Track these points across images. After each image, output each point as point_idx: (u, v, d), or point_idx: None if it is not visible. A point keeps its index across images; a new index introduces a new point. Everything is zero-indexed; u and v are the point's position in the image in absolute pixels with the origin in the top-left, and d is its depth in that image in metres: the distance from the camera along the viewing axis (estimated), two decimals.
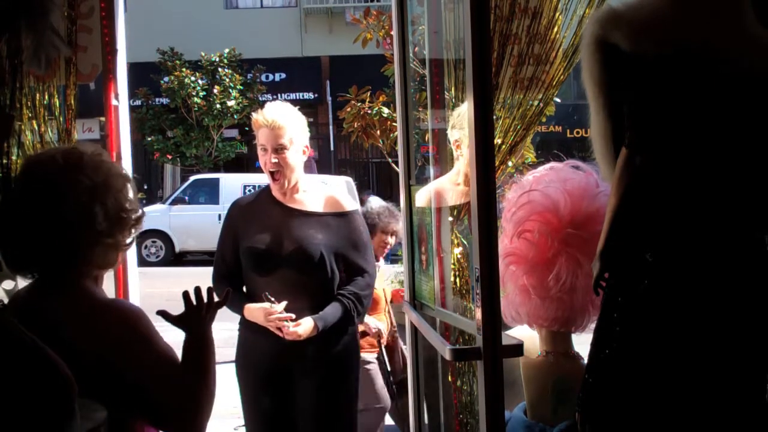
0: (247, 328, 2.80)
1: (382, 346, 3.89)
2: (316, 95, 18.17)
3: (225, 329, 2.62)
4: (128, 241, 1.69)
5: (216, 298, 1.73)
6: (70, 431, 0.77)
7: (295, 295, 2.68)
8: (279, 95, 17.99)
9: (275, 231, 2.73)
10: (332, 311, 2.70)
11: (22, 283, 1.72)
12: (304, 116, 2.81)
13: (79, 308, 1.57)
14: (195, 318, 1.69)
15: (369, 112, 5.49)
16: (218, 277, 2.81)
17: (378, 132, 5.50)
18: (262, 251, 2.71)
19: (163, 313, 1.70)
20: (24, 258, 1.58)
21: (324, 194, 2.83)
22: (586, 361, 2.17)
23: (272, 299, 2.64)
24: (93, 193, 1.57)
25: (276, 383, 2.74)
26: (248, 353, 2.79)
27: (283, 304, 2.65)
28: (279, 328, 2.64)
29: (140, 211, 1.70)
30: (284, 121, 2.69)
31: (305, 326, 2.64)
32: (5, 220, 1.57)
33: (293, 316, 2.64)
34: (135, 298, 3.06)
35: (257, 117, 2.74)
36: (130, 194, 1.67)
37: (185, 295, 1.70)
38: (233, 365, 2.82)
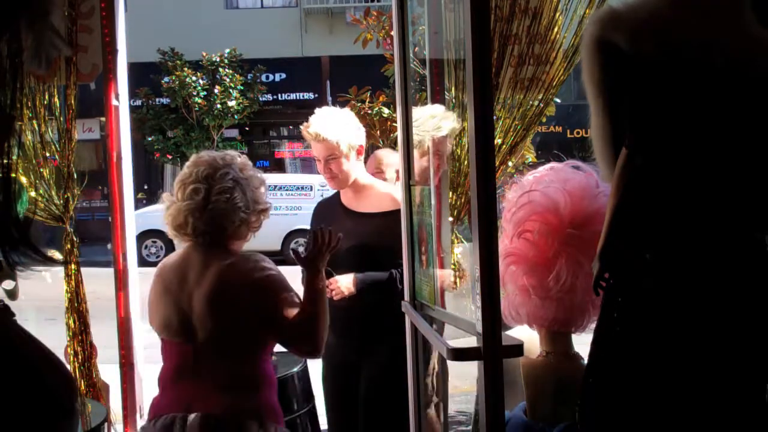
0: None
1: None
2: (316, 95, 18.16)
3: None
4: (257, 224, 2.31)
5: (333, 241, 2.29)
6: (70, 431, 0.76)
7: (352, 294, 2.81)
8: (279, 95, 18.00)
9: (336, 231, 2.90)
10: (375, 274, 2.81)
11: (22, 282, 1.73)
12: (350, 118, 2.91)
13: (235, 263, 2.22)
14: (319, 255, 2.26)
15: (369, 112, 5.48)
16: None
17: (378, 132, 5.50)
18: None
19: (293, 252, 2.34)
20: (202, 227, 2.22)
21: (382, 192, 2.93)
22: (586, 361, 2.17)
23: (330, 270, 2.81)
24: (239, 184, 2.23)
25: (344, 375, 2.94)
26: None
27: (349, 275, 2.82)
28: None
29: (267, 204, 2.31)
30: (328, 133, 2.81)
31: (345, 280, 2.80)
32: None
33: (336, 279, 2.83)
34: (135, 298, 3.06)
35: (304, 130, 2.89)
36: (263, 192, 2.32)
37: (315, 233, 2.29)
38: None
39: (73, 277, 3.23)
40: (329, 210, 3.03)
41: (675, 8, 1.95)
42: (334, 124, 2.83)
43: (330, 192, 3.22)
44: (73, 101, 3.15)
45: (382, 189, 2.96)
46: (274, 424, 2.20)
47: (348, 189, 2.95)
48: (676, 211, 1.96)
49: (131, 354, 3.01)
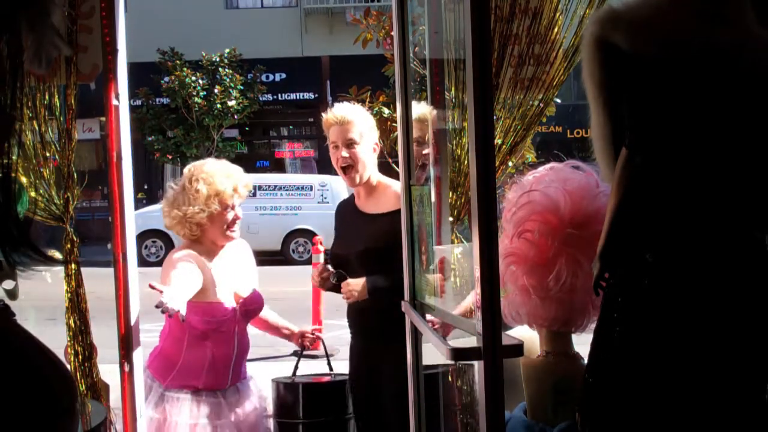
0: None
1: None
2: (316, 95, 18.16)
3: None
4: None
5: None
6: (70, 431, 0.76)
7: (364, 298, 2.84)
8: (279, 95, 18.00)
9: (348, 234, 2.98)
10: (384, 277, 2.81)
11: (22, 282, 1.74)
12: (371, 116, 3.05)
13: None
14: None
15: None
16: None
17: (378, 132, 5.49)
18: (337, 254, 2.97)
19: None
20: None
21: (393, 191, 2.93)
22: (586, 361, 2.17)
23: (330, 269, 2.88)
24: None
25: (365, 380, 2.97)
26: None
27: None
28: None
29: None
30: (353, 116, 2.88)
31: (356, 285, 2.82)
32: None
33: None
34: (135, 298, 3.06)
35: (327, 116, 2.93)
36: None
37: None
38: None
39: (73, 277, 3.23)
40: (347, 211, 3.09)
41: (675, 8, 1.96)
42: (359, 112, 2.93)
43: (335, 193, 3.28)
44: (73, 101, 3.15)
45: (393, 188, 2.95)
46: (163, 386, 2.97)
47: (361, 189, 2.95)
48: (676, 211, 1.96)
49: (131, 354, 3.01)
